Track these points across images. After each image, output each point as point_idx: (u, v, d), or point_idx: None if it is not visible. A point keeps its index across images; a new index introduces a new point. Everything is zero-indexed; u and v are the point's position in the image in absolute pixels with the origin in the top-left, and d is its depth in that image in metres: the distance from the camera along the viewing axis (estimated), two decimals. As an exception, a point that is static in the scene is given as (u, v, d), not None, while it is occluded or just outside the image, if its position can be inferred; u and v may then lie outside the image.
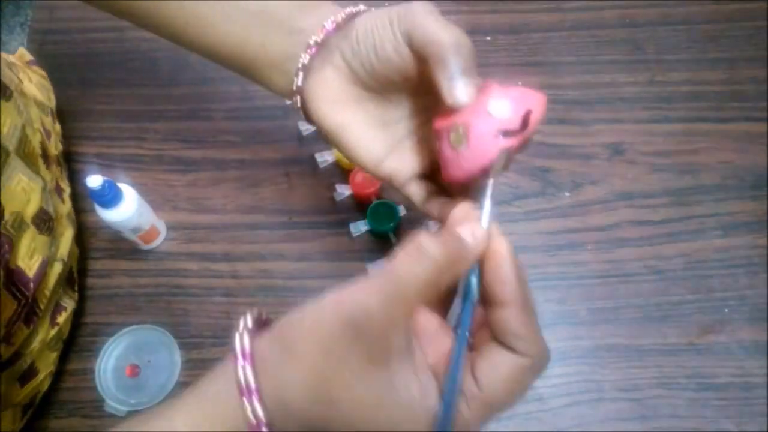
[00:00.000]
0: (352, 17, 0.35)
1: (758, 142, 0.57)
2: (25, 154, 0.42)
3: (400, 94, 0.36)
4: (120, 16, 0.42)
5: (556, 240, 0.53)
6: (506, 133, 0.29)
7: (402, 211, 0.52)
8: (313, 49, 0.35)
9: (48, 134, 0.50)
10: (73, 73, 0.60)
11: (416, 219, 0.53)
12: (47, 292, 0.43)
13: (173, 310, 0.50)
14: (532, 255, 0.52)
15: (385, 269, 0.25)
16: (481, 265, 0.27)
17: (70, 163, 0.56)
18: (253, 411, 0.26)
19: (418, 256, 0.25)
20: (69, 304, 0.47)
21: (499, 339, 0.26)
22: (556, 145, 0.57)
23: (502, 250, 0.27)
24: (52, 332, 0.44)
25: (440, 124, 0.32)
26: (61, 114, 0.57)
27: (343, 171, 0.55)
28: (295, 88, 0.37)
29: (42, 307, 0.42)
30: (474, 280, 0.27)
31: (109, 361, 0.48)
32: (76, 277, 0.49)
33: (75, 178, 0.55)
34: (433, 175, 0.37)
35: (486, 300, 0.27)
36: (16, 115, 0.41)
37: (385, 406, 0.25)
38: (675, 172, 0.55)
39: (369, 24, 0.34)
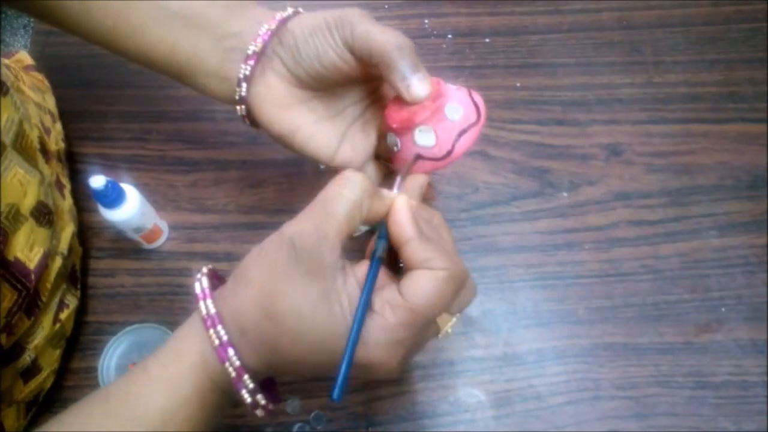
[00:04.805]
0: (284, 22, 0.36)
1: (755, 142, 0.57)
2: (22, 147, 0.42)
3: (343, 87, 0.37)
4: (45, 20, 0.42)
5: (554, 240, 0.53)
6: (462, 132, 0.34)
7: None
8: (253, 59, 0.36)
9: (47, 131, 0.50)
10: (76, 74, 0.61)
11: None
12: (48, 285, 0.43)
13: (175, 310, 0.51)
14: (530, 254, 0.53)
15: (317, 197, 0.30)
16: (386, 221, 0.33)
17: (74, 163, 0.56)
18: (218, 335, 0.30)
19: (345, 183, 0.30)
20: (71, 301, 0.47)
21: (414, 269, 0.30)
22: (554, 146, 0.57)
23: (399, 201, 0.32)
24: (55, 329, 0.44)
25: (396, 122, 0.34)
26: (64, 115, 0.57)
27: (343, 171, 0.55)
28: (238, 97, 0.37)
29: (44, 299, 0.43)
30: (381, 242, 0.32)
31: (112, 360, 0.49)
32: (78, 276, 0.50)
33: (78, 179, 0.55)
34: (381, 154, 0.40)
35: (394, 244, 0.32)
36: (13, 110, 0.41)
37: (318, 313, 0.29)
38: (672, 173, 0.56)
39: (306, 30, 0.35)
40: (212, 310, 0.30)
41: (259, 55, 0.36)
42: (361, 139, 0.38)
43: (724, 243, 0.53)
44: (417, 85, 0.32)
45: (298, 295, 0.29)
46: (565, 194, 0.55)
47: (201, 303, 0.31)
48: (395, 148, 0.35)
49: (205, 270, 0.33)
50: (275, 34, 0.36)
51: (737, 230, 0.54)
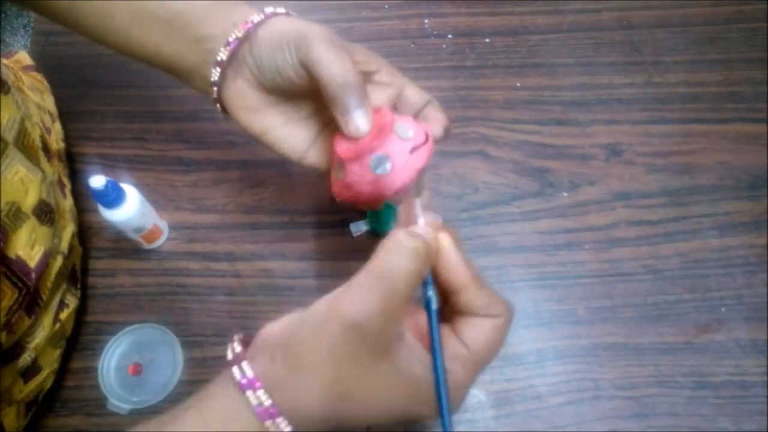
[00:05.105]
0: (254, 28, 0.37)
1: (755, 142, 0.57)
2: (24, 146, 0.42)
3: (309, 96, 0.38)
4: (45, 16, 0.43)
5: (554, 240, 0.53)
6: (414, 149, 0.33)
7: (402, 211, 0.53)
8: (222, 65, 0.37)
9: (48, 130, 0.51)
10: (76, 74, 0.61)
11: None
12: (49, 284, 0.43)
13: (175, 309, 0.51)
14: (531, 255, 0.53)
15: (373, 268, 0.27)
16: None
17: (74, 163, 0.56)
18: (278, 427, 0.27)
19: (403, 252, 0.27)
20: (72, 301, 0.47)
21: (472, 314, 0.29)
22: (554, 146, 0.57)
23: (445, 244, 0.29)
24: (55, 329, 0.45)
25: (346, 152, 0.34)
26: (64, 115, 0.57)
27: (343, 171, 0.56)
28: (213, 97, 0.39)
29: (44, 298, 0.43)
30: (431, 292, 0.29)
31: (112, 360, 0.49)
32: (79, 276, 0.50)
33: (78, 179, 0.55)
34: None
35: (445, 288, 0.30)
36: (14, 109, 0.41)
37: (396, 388, 0.28)
38: (672, 173, 0.56)
39: (270, 45, 0.36)
40: (268, 404, 0.27)
41: (228, 63, 0.37)
42: (330, 146, 0.39)
43: (724, 243, 0.53)
44: (358, 120, 0.33)
45: (372, 377, 0.27)
46: (565, 194, 0.55)
47: (250, 396, 0.27)
48: (342, 175, 0.35)
49: (238, 345, 0.29)
50: (244, 41, 0.37)
51: (737, 230, 0.53)
